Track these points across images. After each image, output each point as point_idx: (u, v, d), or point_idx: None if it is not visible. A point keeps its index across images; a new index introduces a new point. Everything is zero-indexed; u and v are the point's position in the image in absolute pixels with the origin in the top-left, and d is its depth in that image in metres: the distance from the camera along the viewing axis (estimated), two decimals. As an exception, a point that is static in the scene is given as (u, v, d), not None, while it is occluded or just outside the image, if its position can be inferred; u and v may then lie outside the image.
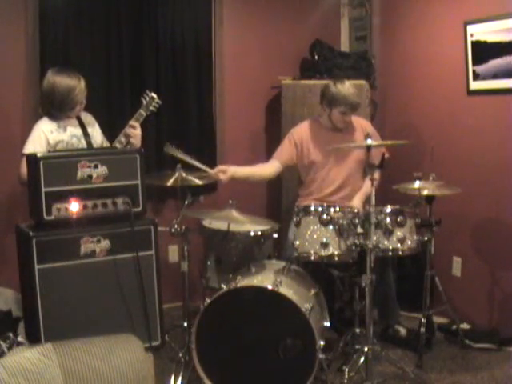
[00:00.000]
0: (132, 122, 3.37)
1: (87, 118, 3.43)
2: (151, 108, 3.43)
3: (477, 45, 3.78)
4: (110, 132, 3.58)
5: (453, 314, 3.75)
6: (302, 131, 3.85)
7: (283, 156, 3.83)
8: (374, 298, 3.10)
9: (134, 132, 3.36)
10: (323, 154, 3.78)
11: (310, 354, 2.88)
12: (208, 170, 3.49)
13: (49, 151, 3.09)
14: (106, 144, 3.49)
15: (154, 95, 3.42)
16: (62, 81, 3.22)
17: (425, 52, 4.27)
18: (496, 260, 3.85)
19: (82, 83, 3.28)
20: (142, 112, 3.39)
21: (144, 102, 3.40)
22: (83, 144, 3.32)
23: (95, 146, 3.38)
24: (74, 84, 3.24)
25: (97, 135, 3.44)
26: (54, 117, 3.29)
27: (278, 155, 3.84)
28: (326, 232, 3.17)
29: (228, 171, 3.54)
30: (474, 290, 3.98)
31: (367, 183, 3.42)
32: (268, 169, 3.82)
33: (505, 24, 3.59)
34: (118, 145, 3.35)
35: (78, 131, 3.33)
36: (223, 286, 3.06)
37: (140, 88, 3.77)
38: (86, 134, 3.34)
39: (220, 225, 3.38)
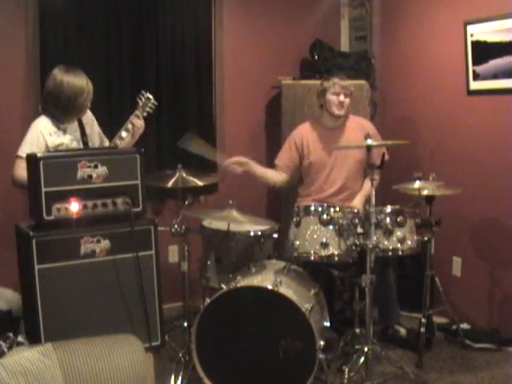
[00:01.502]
0: (136, 116, 3.33)
1: (85, 115, 3.33)
2: (147, 109, 3.36)
3: (477, 45, 3.78)
4: (111, 132, 3.57)
5: (453, 313, 3.75)
6: (302, 132, 3.85)
7: (286, 163, 3.85)
8: (374, 298, 3.10)
9: (139, 122, 3.32)
10: (323, 155, 3.78)
11: (310, 353, 2.88)
12: (222, 160, 3.54)
13: (48, 151, 3.07)
14: (105, 140, 3.44)
15: (150, 96, 3.35)
16: (71, 82, 3.09)
17: (425, 52, 4.27)
18: (496, 260, 3.85)
19: (90, 85, 3.16)
20: (138, 113, 3.33)
21: (140, 103, 3.34)
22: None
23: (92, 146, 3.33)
24: (82, 87, 3.11)
25: (94, 135, 3.39)
26: (55, 118, 3.19)
27: (282, 163, 3.86)
28: (326, 232, 3.17)
29: (248, 165, 3.65)
30: (474, 289, 3.98)
31: (367, 184, 3.42)
32: (277, 176, 3.87)
33: (505, 24, 3.59)
34: (124, 133, 3.29)
35: (78, 134, 3.28)
36: (223, 286, 3.06)
37: (140, 88, 3.75)
38: (83, 135, 3.28)
39: (220, 225, 3.38)
